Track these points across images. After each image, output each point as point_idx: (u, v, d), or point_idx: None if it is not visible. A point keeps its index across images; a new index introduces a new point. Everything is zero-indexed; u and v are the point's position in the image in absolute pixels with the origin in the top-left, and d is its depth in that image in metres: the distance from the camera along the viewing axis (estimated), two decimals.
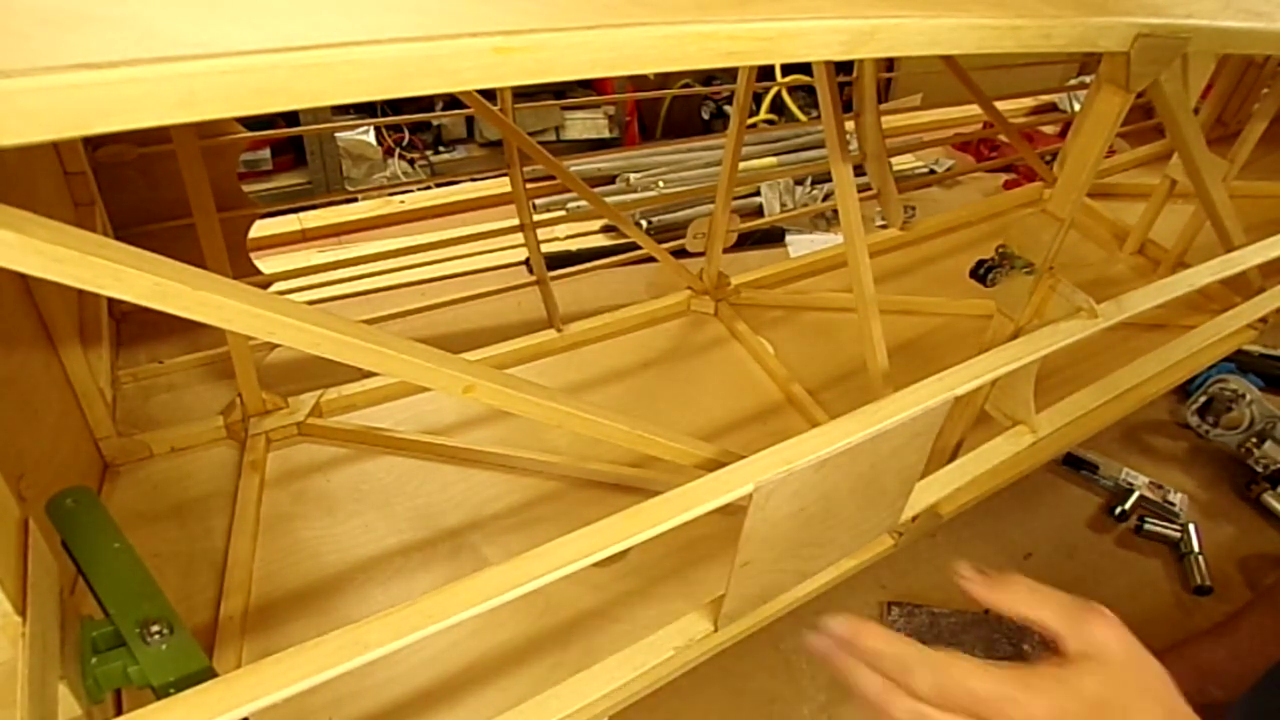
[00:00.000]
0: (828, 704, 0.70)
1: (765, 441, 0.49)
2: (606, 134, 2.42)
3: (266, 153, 2.07)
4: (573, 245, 1.19)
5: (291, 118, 1.81)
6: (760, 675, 0.71)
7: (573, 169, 1.10)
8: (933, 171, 1.46)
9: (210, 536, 0.70)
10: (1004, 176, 1.47)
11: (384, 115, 2.02)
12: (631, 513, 0.45)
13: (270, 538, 0.71)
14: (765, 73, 2.04)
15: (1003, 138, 1.47)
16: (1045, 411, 0.71)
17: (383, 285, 0.96)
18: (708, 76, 2.28)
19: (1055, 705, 0.37)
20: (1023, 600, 0.41)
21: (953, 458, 0.70)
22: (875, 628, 0.41)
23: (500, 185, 1.25)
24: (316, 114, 1.73)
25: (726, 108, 2.47)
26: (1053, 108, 1.65)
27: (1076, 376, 0.80)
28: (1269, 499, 0.92)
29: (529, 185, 0.97)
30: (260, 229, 1.10)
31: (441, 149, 2.33)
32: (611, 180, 1.34)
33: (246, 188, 0.89)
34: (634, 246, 1.03)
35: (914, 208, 1.16)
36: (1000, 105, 1.19)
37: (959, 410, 0.69)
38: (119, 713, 0.42)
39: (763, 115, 2.37)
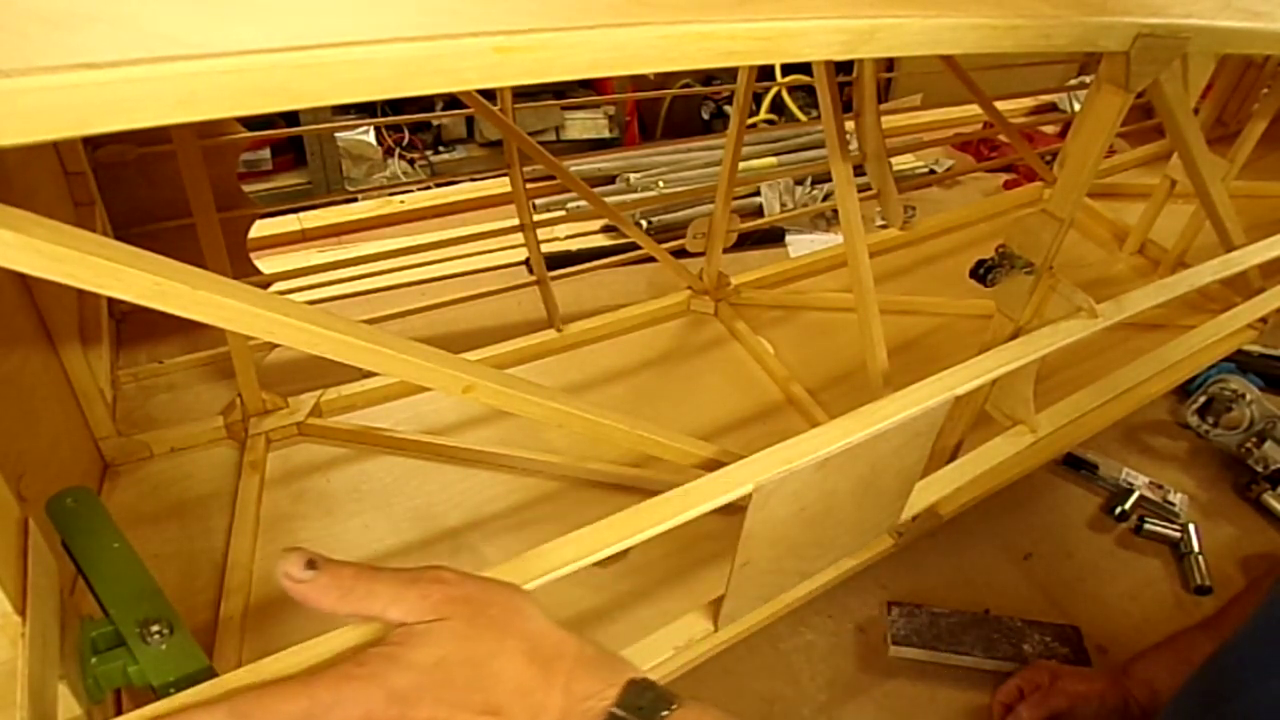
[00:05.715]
0: (828, 704, 0.70)
1: (765, 441, 0.49)
2: (606, 134, 2.42)
3: (266, 153, 2.07)
4: (573, 245, 1.19)
5: (291, 118, 1.81)
6: (760, 675, 0.71)
7: (573, 169, 1.10)
8: (933, 171, 1.46)
9: (210, 536, 0.70)
10: (1004, 176, 1.47)
11: (384, 115, 2.02)
12: (631, 513, 0.45)
13: (270, 538, 0.71)
14: (765, 73, 2.04)
15: (1003, 138, 1.47)
16: (1045, 411, 0.71)
17: (383, 285, 0.96)
18: (708, 76, 2.28)
19: (384, 690, 0.34)
20: (357, 598, 0.36)
21: (953, 458, 0.70)
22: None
23: (500, 185, 1.25)
24: (316, 114, 1.73)
25: (726, 108, 2.47)
26: (1053, 108, 1.65)
27: (1076, 376, 0.80)
28: (1269, 499, 0.92)
29: (529, 185, 0.97)
30: (260, 229, 1.10)
31: (441, 149, 2.33)
32: (611, 180, 1.34)
33: (246, 188, 0.89)
34: (634, 246, 1.03)
35: (914, 208, 1.16)
36: (1000, 105, 1.19)
37: (959, 410, 0.69)
38: (119, 713, 0.42)
39: (763, 115, 2.37)
